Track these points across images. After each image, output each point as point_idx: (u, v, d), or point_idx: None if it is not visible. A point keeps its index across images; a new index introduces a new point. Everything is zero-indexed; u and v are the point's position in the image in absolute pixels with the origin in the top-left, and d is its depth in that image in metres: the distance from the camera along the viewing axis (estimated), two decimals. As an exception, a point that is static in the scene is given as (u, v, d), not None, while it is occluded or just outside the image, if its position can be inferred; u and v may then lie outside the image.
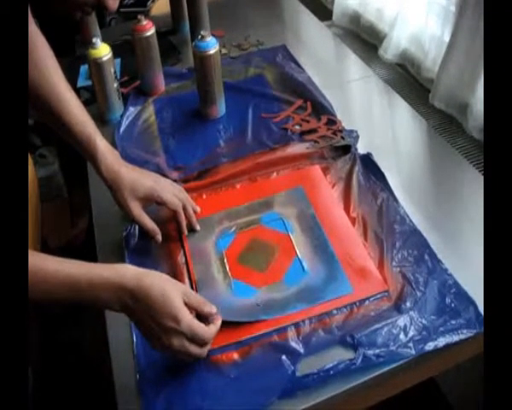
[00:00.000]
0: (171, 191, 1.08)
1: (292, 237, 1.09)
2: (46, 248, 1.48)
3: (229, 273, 1.02)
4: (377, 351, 0.87)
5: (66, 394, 1.41)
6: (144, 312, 0.79)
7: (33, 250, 0.75)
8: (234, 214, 1.15)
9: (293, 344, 0.89)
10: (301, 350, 0.88)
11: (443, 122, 1.48)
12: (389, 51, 1.69)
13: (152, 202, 1.09)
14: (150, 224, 1.06)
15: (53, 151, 2.38)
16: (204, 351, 0.84)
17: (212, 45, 1.35)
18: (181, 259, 1.07)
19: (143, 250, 1.09)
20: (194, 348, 0.82)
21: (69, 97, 1.06)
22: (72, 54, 1.87)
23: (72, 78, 1.66)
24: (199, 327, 0.82)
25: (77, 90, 1.61)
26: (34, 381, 1.33)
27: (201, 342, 0.83)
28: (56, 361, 1.48)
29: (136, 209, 1.05)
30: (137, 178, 1.06)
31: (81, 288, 0.77)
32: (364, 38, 1.93)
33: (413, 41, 1.64)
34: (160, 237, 1.07)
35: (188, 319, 0.80)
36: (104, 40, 1.43)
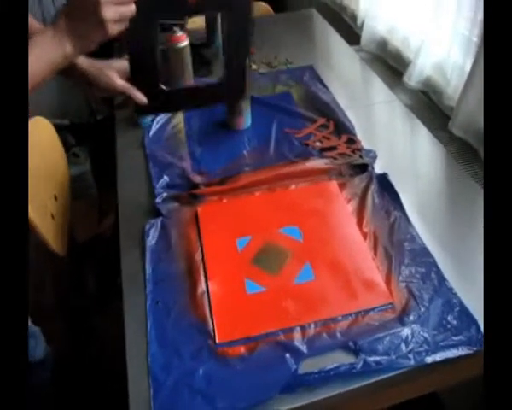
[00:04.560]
0: None
1: (304, 244, 1.14)
2: (73, 242, 1.56)
3: (243, 273, 1.08)
4: (378, 358, 0.91)
5: (82, 373, 1.49)
6: (73, 19, 0.85)
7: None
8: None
9: (298, 344, 0.94)
10: (305, 350, 0.93)
11: (461, 149, 1.52)
12: (413, 78, 1.74)
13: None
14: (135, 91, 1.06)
15: (85, 151, 2.47)
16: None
17: (241, 60, 1.41)
18: (198, 256, 1.12)
19: (163, 245, 1.16)
20: (124, 8, 0.87)
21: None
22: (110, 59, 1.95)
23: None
24: None
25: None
26: (55, 363, 1.40)
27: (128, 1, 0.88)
28: (79, 347, 1.55)
29: (120, 80, 1.06)
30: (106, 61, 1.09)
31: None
32: (390, 64, 1.98)
33: (436, 69, 1.68)
34: (143, 98, 1.07)
35: None
36: (140, 48, 1.50)
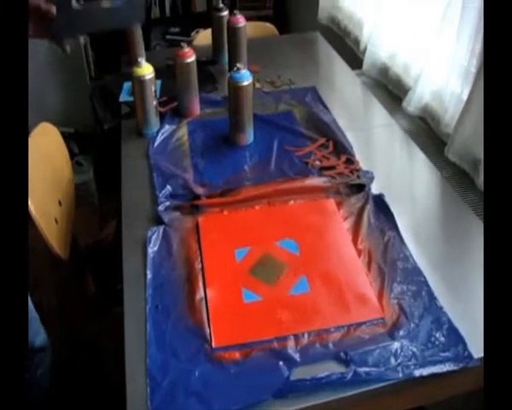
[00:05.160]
0: None
1: (301, 257, 1.18)
2: (76, 246, 1.59)
3: (241, 283, 1.12)
4: (367, 369, 0.95)
5: (79, 375, 1.51)
6: None
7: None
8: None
9: (291, 352, 0.98)
10: (298, 359, 0.97)
11: (455, 175, 1.56)
12: (412, 104, 1.79)
13: None
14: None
15: (89, 160, 2.52)
16: None
17: (246, 77, 1.47)
18: (197, 264, 1.16)
19: (164, 252, 1.19)
20: None
21: None
22: (117, 72, 2.01)
23: (115, 93, 1.80)
24: None
25: (119, 104, 1.74)
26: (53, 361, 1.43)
27: None
28: (76, 350, 1.58)
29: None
30: None
31: None
32: (390, 90, 2.03)
33: (435, 97, 1.73)
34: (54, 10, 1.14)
35: None
36: (148, 62, 1.55)
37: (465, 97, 1.49)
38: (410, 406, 1.05)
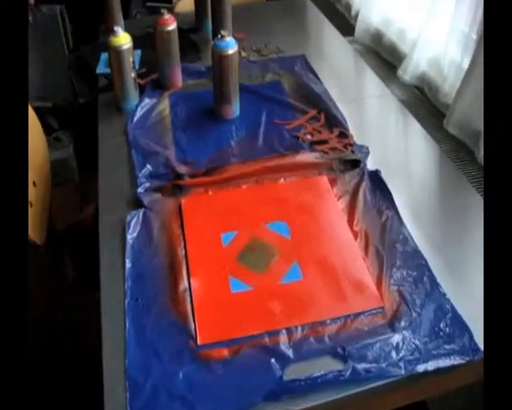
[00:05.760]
0: None
1: (292, 241, 1.09)
2: (52, 230, 1.50)
3: (228, 271, 1.03)
4: (367, 366, 0.87)
5: (57, 371, 1.45)
6: None
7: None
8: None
9: (284, 349, 0.90)
10: (291, 355, 0.89)
11: (455, 148, 1.49)
12: (408, 72, 1.70)
13: None
14: None
15: (68, 136, 2.41)
16: None
17: (231, 46, 1.37)
18: (181, 251, 1.07)
19: (144, 238, 1.10)
20: None
21: None
22: (95, 42, 1.90)
23: (92, 64, 1.69)
24: None
25: (96, 77, 1.63)
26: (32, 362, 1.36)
27: None
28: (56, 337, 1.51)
29: None
30: None
31: None
32: (384, 57, 1.94)
33: (432, 65, 1.64)
34: None
35: None
36: (128, 31, 1.45)
37: (465, 65, 1.40)
38: (413, 400, 0.98)
